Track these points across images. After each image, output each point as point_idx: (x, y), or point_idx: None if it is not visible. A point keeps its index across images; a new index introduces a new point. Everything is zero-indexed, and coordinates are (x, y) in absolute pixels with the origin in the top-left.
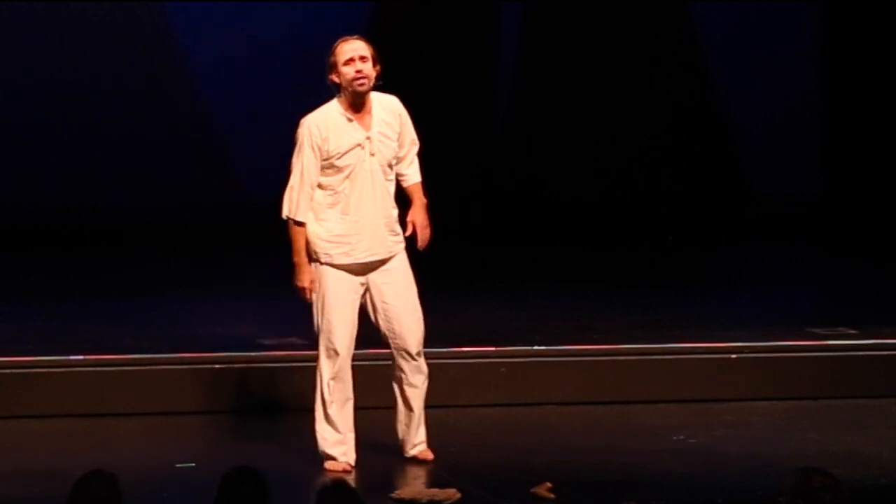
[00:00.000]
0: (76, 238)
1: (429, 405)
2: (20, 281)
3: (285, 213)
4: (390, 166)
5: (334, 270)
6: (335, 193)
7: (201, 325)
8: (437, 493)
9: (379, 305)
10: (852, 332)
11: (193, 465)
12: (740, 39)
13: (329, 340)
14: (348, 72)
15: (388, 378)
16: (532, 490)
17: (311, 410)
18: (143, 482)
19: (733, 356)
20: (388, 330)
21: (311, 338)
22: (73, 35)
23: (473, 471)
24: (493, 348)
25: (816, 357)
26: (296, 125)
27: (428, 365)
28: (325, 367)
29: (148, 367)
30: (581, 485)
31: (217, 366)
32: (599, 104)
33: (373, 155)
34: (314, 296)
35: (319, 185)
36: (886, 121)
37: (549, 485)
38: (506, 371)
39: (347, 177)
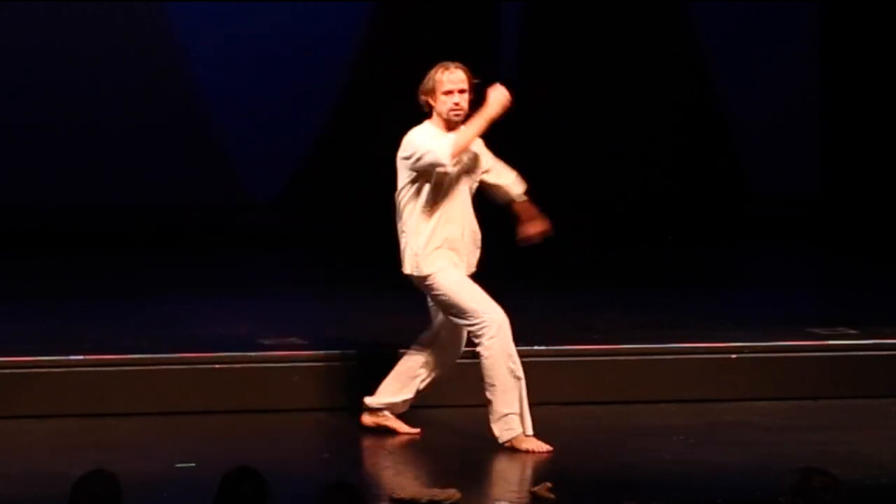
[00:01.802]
0: (76, 238)
1: (429, 405)
2: (20, 281)
3: (442, 161)
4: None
5: (451, 266)
6: (433, 206)
7: (201, 325)
8: (437, 493)
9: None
10: (852, 332)
11: (193, 465)
12: (740, 39)
13: (491, 316)
14: (446, 101)
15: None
16: (532, 490)
17: (493, 400)
18: (143, 482)
19: (733, 356)
20: (446, 346)
21: (312, 337)
22: (73, 35)
23: (474, 471)
24: None
25: (816, 357)
26: (296, 125)
27: None
28: (508, 342)
29: (148, 367)
30: (581, 485)
31: (217, 366)
32: (599, 104)
33: (457, 168)
34: (446, 298)
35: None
36: (886, 121)
37: (549, 485)
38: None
39: (441, 190)
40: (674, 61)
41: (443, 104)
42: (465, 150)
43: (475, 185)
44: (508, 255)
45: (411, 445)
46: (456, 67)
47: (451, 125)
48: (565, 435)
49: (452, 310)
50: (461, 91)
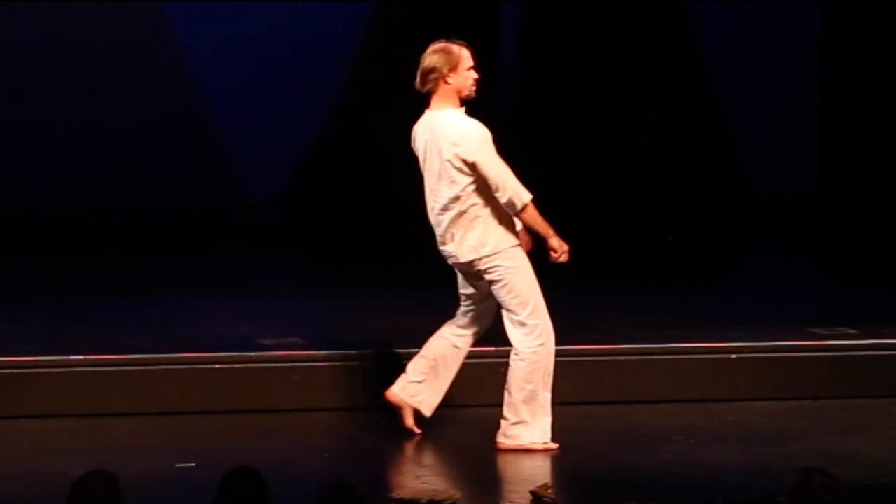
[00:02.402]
0: (76, 238)
1: None
2: (20, 281)
3: (524, 200)
4: None
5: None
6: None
7: (201, 325)
8: (437, 493)
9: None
10: (852, 332)
11: (193, 465)
12: (740, 39)
13: (546, 321)
14: (469, 77)
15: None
16: (532, 490)
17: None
18: (143, 482)
19: (733, 356)
20: (480, 321)
21: (312, 337)
22: (73, 35)
23: (473, 471)
24: (492, 348)
25: (816, 357)
26: (296, 125)
27: None
28: (551, 350)
29: (148, 367)
30: (581, 485)
31: (217, 366)
32: (599, 104)
33: None
34: (520, 278)
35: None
36: (886, 121)
37: (549, 485)
38: (506, 371)
39: None
40: (674, 61)
41: (466, 80)
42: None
43: None
44: None
45: (411, 445)
46: (462, 44)
47: (463, 103)
48: (565, 435)
49: (513, 294)
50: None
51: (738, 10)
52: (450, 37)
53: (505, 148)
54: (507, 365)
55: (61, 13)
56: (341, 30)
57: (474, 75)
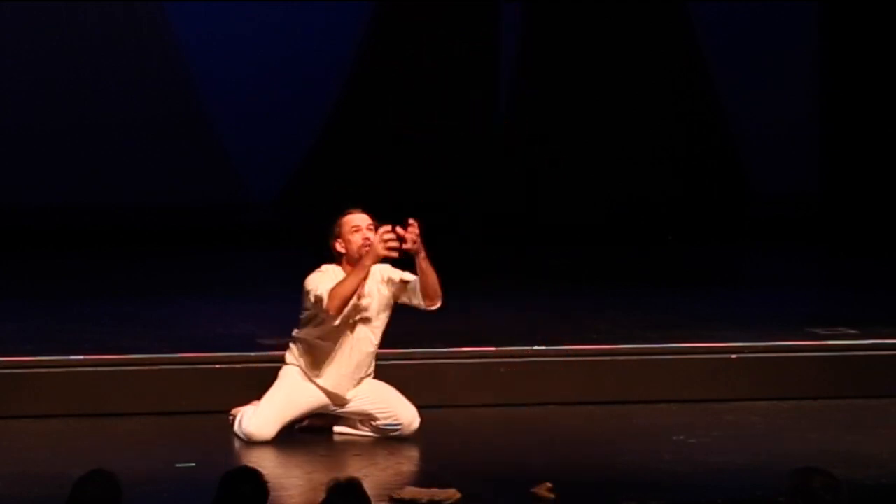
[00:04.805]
0: (76, 238)
1: (429, 405)
2: (20, 281)
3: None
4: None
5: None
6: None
7: (201, 325)
8: (437, 492)
9: None
10: (852, 332)
11: (193, 465)
12: (741, 40)
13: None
14: (355, 238)
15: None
16: (532, 490)
17: None
18: (143, 482)
19: (733, 356)
20: None
21: None
22: (73, 35)
23: (473, 471)
24: (493, 348)
25: (816, 357)
26: (296, 124)
27: (428, 365)
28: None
29: (148, 367)
30: (581, 485)
31: (217, 366)
32: (600, 105)
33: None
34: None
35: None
36: (887, 121)
37: (549, 485)
38: (506, 371)
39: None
40: (674, 62)
41: (351, 243)
42: (348, 298)
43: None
44: (510, 255)
45: (411, 446)
46: (358, 211)
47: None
48: (565, 435)
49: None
50: (369, 227)
51: (739, 10)
52: (450, 39)
53: (504, 148)
54: (506, 365)
55: (61, 13)
56: (341, 30)
57: (364, 234)
